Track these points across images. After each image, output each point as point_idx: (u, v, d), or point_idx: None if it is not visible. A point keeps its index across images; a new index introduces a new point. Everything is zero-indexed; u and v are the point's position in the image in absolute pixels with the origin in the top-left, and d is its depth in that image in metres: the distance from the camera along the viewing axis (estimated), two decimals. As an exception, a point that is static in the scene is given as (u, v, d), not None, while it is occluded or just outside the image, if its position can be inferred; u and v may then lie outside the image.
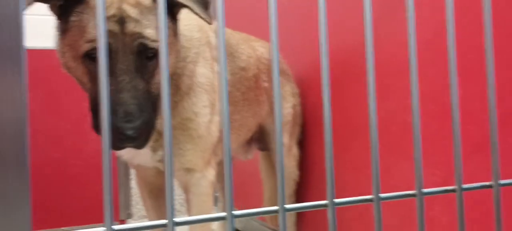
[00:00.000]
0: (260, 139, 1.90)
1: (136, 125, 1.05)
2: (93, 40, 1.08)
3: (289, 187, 1.88)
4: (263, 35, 1.94)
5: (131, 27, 1.09)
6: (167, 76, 0.56)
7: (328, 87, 0.65)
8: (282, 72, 1.92)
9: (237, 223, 2.56)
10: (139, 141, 1.09)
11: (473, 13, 1.20)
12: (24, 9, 0.49)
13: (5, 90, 0.50)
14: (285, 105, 1.85)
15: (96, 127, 1.12)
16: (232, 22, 1.92)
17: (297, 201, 1.94)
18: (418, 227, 0.64)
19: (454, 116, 0.72)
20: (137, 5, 1.12)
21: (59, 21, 1.16)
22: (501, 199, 0.74)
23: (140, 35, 1.10)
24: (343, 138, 1.67)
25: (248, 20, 2.45)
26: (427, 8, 1.32)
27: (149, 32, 1.11)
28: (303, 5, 1.94)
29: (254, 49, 1.81)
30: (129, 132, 1.05)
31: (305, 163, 1.94)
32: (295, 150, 1.87)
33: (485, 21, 0.75)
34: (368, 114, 0.68)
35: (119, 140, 1.06)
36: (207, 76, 1.41)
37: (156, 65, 1.14)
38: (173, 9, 1.21)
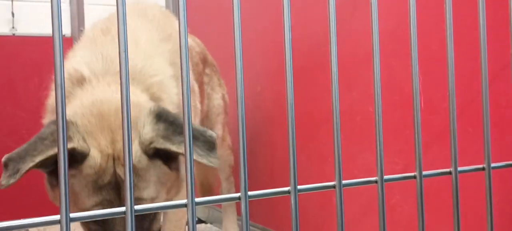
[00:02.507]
0: None
1: None
2: (86, 210, 1.04)
3: (226, 171, 2.06)
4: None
5: None
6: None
7: (291, 77, 0.64)
8: (209, 64, 1.95)
9: (200, 214, 2.55)
10: None
11: (435, 5, 1.22)
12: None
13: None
14: (215, 96, 1.91)
15: None
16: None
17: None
18: (379, 213, 0.65)
19: (415, 106, 0.73)
20: (133, 168, 1.10)
21: (50, 177, 1.14)
22: (460, 186, 0.75)
23: (137, 199, 1.07)
24: (308, 128, 1.68)
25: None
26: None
27: (147, 194, 1.09)
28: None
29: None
30: None
31: (269, 152, 1.95)
32: (228, 139, 2.04)
33: (447, 13, 0.76)
34: (332, 104, 0.67)
35: None
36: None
37: (153, 218, 1.14)
38: (171, 161, 1.16)
